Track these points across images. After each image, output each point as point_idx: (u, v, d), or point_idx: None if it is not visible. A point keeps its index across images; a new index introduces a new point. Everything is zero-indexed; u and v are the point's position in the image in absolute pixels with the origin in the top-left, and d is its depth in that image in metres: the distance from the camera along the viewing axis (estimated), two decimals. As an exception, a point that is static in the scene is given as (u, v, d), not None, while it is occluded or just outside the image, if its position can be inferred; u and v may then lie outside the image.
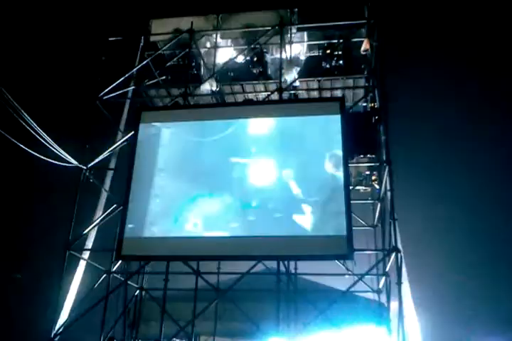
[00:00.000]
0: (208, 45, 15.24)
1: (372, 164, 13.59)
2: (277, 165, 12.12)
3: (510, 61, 19.16)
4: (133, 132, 13.13)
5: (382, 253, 12.10)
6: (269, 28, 14.03)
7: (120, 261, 12.71)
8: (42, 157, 11.97)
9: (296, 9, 14.46)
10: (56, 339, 11.56)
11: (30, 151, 11.67)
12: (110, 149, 13.67)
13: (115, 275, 12.67)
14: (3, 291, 16.50)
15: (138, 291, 13.70)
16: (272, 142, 12.40)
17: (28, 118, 11.54)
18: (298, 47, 14.93)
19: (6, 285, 16.65)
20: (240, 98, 15.36)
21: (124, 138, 13.61)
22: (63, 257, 12.24)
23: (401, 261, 10.99)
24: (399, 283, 10.76)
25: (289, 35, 14.23)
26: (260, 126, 12.64)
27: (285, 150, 12.24)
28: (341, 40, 14.23)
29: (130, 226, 12.01)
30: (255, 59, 14.53)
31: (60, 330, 11.68)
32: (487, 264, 16.20)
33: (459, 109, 19.71)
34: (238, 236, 11.58)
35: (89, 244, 13.12)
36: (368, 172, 14.02)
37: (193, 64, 14.80)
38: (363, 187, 14.46)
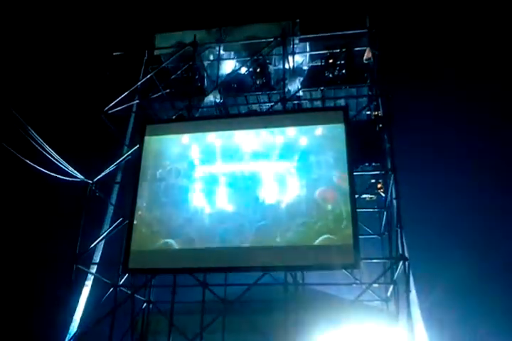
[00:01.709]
0: (211, 57, 15.38)
1: (378, 172, 13.56)
2: (282, 175, 12.12)
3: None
4: (138, 145, 13.21)
5: (389, 261, 12.02)
6: (272, 39, 14.14)
7: (127, 274, 12.68)
8: (48, 172, 12.04)
9: (298, 20, 14.56)
10: (65, 353, 11.57)
11: (36, 166, 11.76)
12: (116, 163, 13.75)
13: (122, 288, 12.66)
14: (11, 306, 16.53)
15: (145, 304, 13.67)
16: (277, 152, 12.41)
17: (34, 133, 11.64)
18: (300, 58, 15.02)
19: (14, 300, 16.68)
20: (243, 109, 15.42)
21: (130, 152, 13.69)
22: (71, 271, 12.27)
23: (409, 270, 10.91)
24: (407, 291, 10.69)
25: (291, 46, 14.34)
26: (264, 137, 12.66)
27: (290, 160, 12.24)
28: (343, 50, 14.29)
29: (136, 239, 12.05)
30: (258, 70, 14.64)
31: (69, 344, 11.68)
32: (496, 272, 16.05)
33: (464, 116, 19.66)
34: (245, 247, 11.55)
35: (97, 257, 13.15)
36: (373, 181, 13.97)
37: (197, 76, 14.93)
38: (369, 196, 14.40)
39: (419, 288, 11.14)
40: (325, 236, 11.24)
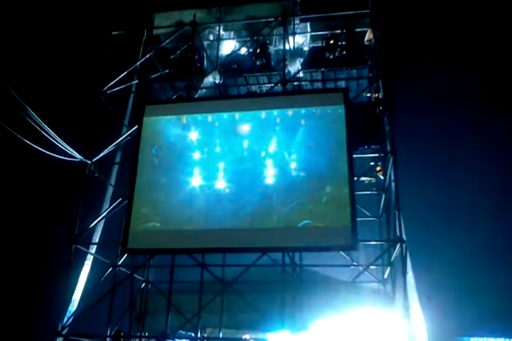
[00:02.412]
0: (211, 37, 15.24)
1: (377, 155, 13.54)
2: (281, 157, 12.11)
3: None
4: (137, 126, 13.17)
5: (387, 243, 12.08)
6: (272, 19, 13.97)
7: (126, 254, 12.77)
8: (47, 152, 12.04)
9: (299, 0, 14.36)
10: (64, 331, 11.68)
11: (36, 146, 11.74)
12: (115, 143, 13.71)
13: (121, 268, 12.75)
14: (12, 285, 16.67)
15: (144, 284, 13.79)
16: (276, 134, 12.37)
17: (33, 113, 11.60)
18: (301, 38, 14.87)
19: (14, 278, 16.81)
20: (243, 90, 15.33)
21: (129, 132, 13.65)
22: (70, 251, 12.34)
23: (406, 252, 10.97)
24: (404, 273, 10.76)
25: (292, 26, 14.19)
26: (264, 118, 12.61)
27: (289, 142, 12.22)
28: (344, 31, 14.15)
29: (136, 219, 12.09)
30: (258, 51, 14.52)
31: (68, 323, 11.80)
32: (492, 254, 16.13)
33: (466, 99, 19.55)
34: (243, 228, 11.60)
35: (96, 237, 13.20)
36: (372, 163, 13.95)
37: (196, 57, 14.83)
38: (368, 178, 14.39)
39: (416, 269, 11.22)
40: (323, 217, 11.29)
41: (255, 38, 14.35)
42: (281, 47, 14.04)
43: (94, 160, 13.30)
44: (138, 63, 14.57)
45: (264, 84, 14.94)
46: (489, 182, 17.76)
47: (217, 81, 14.61)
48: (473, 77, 19.02)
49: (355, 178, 12.21)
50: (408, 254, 11.02)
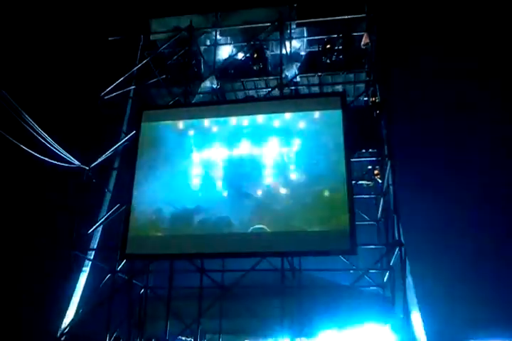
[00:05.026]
0: (208, 42, 15.29)
1: (375, 158, 13.55)
2: (280, 161, 12.11)
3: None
4: (135, 131, 13.15)
5: (386, 247, 12.06)
6: (269, 24, 14.00)
7: (125, 260, 12.72)
8: (44, 158, 12.02)
9: (296, 4, 14.40)
10: (63, 338, 11.62)
11: (33, 153, 11.72)
12: (112, 149, 13.70)
13: (120, 274, 12.70)
14: (10, 291, 16.58)
15: (143, 290, 13.74)
16: (274, 138, 12.37)
17: (30, 120, 11.59)
18: (298, 43, 14.94)
19: (13, 285, 16.72)
20: (240, 95, 15.34)
21: (126, 138, 13.64)
22: (68, 257, 12.30)
23: (405, 255, 10.94)
24: (403, 277, 10.73)
25: (288, 31, 14.23)
26: (262, 123, 12.61)
27: (287, 146, 12.22)
28: (341, 35, 14.18)
29: (134, 225, 12.05)
30: (255, 55, 14.52)
31: (67, 329, 11.74)
32: (490, 258, 16.14)
33: (462, 102, 19.60)
34: (242, 232, 11.57)
35: (95, 243, 13.16)
36: (370, 167, 13.95)
37: (193, 62, 14.83)
38: (366, 182, 14.38)
39: (415, 273, 11.20)
40: (322, 221, 11.25)
41: (252, 42, 14.36)
42: (278, 51, 14.06)
43: (92, 166, 13.29)
44: (135, 69, 14.60)
45: (262, 88, 14.95)
46: (488, 185, 17.79)
47: (214, 86, 14.64)
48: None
49: (354, 182, 12.21)
50: (407, 258, 11.00)
